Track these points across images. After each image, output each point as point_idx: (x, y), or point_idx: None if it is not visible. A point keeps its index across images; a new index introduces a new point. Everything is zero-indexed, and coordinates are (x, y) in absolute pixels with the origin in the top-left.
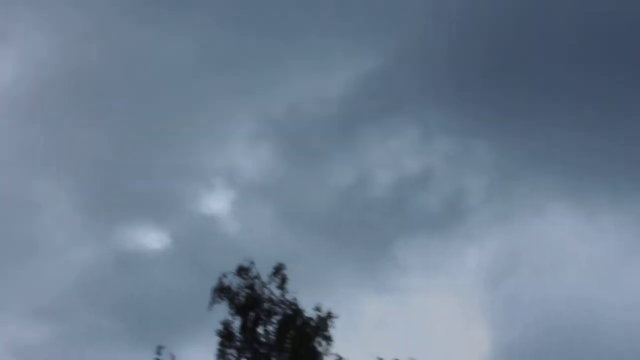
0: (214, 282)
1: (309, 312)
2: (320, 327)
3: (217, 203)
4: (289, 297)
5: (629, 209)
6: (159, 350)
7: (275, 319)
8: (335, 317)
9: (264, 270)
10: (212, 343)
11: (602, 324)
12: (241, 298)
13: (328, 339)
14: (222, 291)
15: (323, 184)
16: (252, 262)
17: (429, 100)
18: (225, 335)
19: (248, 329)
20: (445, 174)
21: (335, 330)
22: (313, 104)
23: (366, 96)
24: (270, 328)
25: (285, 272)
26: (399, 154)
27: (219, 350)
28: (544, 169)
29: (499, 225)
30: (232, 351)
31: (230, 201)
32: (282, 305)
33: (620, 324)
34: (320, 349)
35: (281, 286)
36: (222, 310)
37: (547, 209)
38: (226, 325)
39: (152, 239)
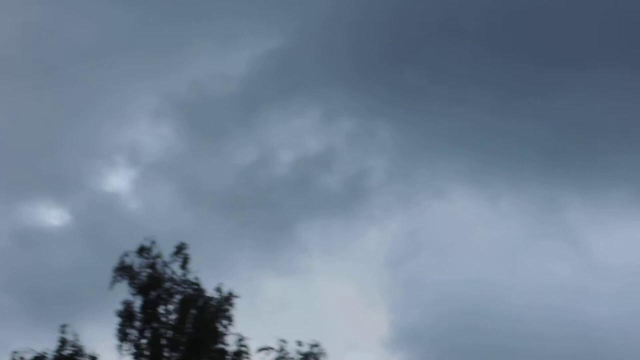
0: (115, 261)
1: (211, 292)
2: (222, 307)
3: (118, 180)
4: (190, 277)
5: (530, 193)
6: (63, 329)
7: (176, 298)
8: (237, 298)
9: (165, 249)
10: (114, 322)
11: (502, 308)
12: (142, 277)
13: (229, 319)
14: (123, 270)
15: (225, 162)
16: (153, 242)
17: (331, 80)
18: (126, 315)
19: (149, 309)
20: (347, 155)
21: (237, 310)
22: (215, 82)
23: (269, 75)
24: (172, 308)
25: (187, 251)
26: (301, 134)
27: (119, 330)
28: (445, 151)
29: (401, 207)
30: (132, 331)
31: (131, 179)
32: (184, 285)
33: (519, 307)
34: (221, 329)
35: (183, 266)
36: (124, 290)
37: (448, 191)
38: (127, 305)
39: (52, 216)
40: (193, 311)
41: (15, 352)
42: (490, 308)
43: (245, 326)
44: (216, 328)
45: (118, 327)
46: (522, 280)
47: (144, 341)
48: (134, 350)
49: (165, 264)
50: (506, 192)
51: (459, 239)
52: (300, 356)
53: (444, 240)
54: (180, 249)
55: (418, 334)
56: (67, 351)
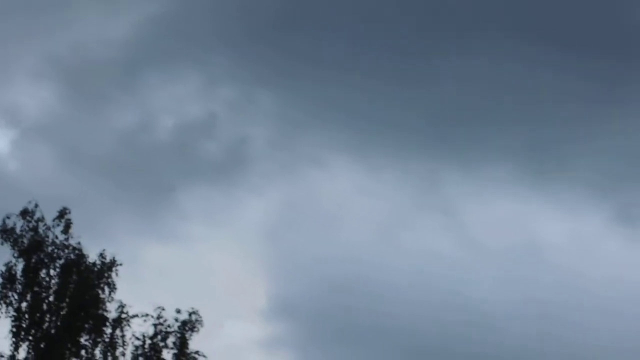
0: None
1: (93, 257)
2: (104, 273)
3: None
4: (73, 242)
5: (412, 165)
6: None
7: (58, 263)
8: (119, 264)
9: (46, 212)
10: None
11: (379, 281)
12: (25, 241)
13: (111, 285)
14: (5, 233)
15: (105, 126)
16: (36, 205)
17: (216, 45)
18: (7, 278)
19: (30, 273)
20: (229, 122)
21: (119, 277)
22: (97, 45)
23: (152, 39)
24: (53, 273)
25: (69, 216)
26: (182, 99)
27: (0, 292)
28: (328, 120)
29: (281, 176)
30: (13, 294)
31: (11, 140)
32: (66, 250)
33: (398, 287)
34: (102, 295)
35: (65, 231)
36: (6, 252)
37: (330, 162)
38: (9, 267)
39: None
40: (74, 276)
41: None
42: (368, 286)
43: (126, 293)
44: (97, 294)
45: None
46: (402, 251)
47: (24, 305)
48: (13, 314)
49: (48, 228)
50: (389, 163)
51: (340, 211)
52: (178, 324)
53: (324, 211)
54: (62, 214)
55: (294, 305)
56: None
